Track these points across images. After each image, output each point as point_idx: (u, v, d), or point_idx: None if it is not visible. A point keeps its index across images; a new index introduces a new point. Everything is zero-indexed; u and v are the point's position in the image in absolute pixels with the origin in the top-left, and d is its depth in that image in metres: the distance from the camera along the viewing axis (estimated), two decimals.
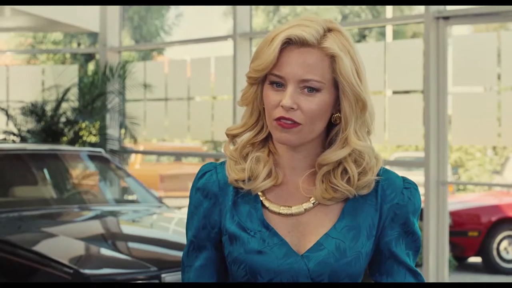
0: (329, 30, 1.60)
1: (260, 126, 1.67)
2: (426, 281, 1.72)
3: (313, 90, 1.57)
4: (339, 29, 1.61)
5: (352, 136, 1.60)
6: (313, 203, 1.63)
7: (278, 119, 1.58)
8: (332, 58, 1.58)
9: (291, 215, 1.63)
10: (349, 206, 1.63)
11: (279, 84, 1.59)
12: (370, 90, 1.64)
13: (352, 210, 1.63)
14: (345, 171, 1.62)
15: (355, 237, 1.60)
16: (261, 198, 1.65)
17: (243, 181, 1.64)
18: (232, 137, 1.69)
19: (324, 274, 1.58)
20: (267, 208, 1.64)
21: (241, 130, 1.68)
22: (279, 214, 1.63)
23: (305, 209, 1.62)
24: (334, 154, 1.61)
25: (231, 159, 1.67)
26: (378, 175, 1.64)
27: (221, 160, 1.71)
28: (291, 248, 1.60)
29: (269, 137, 1.67)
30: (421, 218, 6.46)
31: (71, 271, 4.15)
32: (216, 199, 1.67)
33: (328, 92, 1.59)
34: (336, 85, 1.60)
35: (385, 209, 1.63)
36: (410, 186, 1.66)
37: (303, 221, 1.62)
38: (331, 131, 1.64)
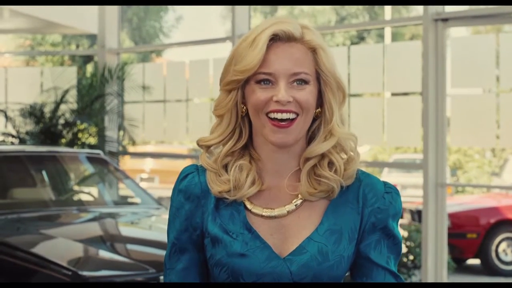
0: (302, 27, 1.63)
1: (237, 134, 1.67)
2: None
3: (303, 82, 1.59)
4: (310, 28, 1.64)
5: (336, 127, 1.62)
6: (295, 205, 1.63)
7: (273, 115, 1.58)
8: (314, 51, 1.61)
9: (274, 217, 1.62)
10: (331, 209, 1.63)
11: (267, 82, 1.60)
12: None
13: (334, 214, 1.63)
14: (330, 163, 1.63)
15: (337, 241, 1.61)
16: (244, 201, 1.64)
17: (228, 191, 1.63)
18: (207, 147, 1.68)
19: (306, 278, 1.58)
20: (249, 210, 1.63)
21: (217, 140, 1.67)
22: (262, 216, 1.63)
23: (288, 211, 1.62)
24: (319, 146, 1.62)
25: (211, 171, 1.66)
26: (360, 178, 1.66)
27: None
28: (273, 251, 1.59)
29: (248, 143, 1.67)
30: (419, 220, 6.46)
31: (70, 273, 4.15)
32: (198, 201, 1.66)
33: (314, 85, 1.62)
34: (318, 79, 1.62)
35: (366, 213, 1.64)
36: (391, 190, 1.67)
37: (285, 224, 1.62)
38: (310, 127, 1.66)
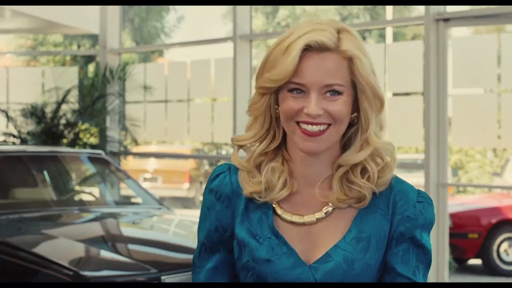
0: (339, 31, 1.58)
1: (272, 135, 1.64)
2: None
3: (336, 93, 1.55)
4: (348, 29, 1.59)
5: (373, 136, 1.59)
6: (325, 213, 1.60)
7: (303, 126, 1.55)
8: (350, 60, 1.56)
9: (303, 224, 1.60)
10: (360, 216, 1.60)
11: (299, 91, 1.56)
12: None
13: (363, 221, 1.60)
14: (364, 170, 1.60)
15: (364, 249, 1.57)
16: (274, 205, 1.62)
17: (259, 192, 1.61)
18: (240, 147, 1.66)
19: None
20: (279, 215, 1.61)
21: (251, 140, 1.64)
22: (291, 222, 1.60)
23: (317, 219, 1.60)
24: (355, 155, 1.58)
25: (244, 170, 1.64)
26: (392, 185, 1.63)
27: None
28: (299, 258, 1.57)
29: (282, 145, 1.64)
30: None
31: (71, 273, 4.15)
32: (229, 202, 1.65)
33: (348, 94, 1.57)
34: (354, 86, 1.58)
35: (396, 221, 1.60)
36: (423, 200, 1.63)
37: (314, 231, 1.60)
38: (345, 133, 1.62)
